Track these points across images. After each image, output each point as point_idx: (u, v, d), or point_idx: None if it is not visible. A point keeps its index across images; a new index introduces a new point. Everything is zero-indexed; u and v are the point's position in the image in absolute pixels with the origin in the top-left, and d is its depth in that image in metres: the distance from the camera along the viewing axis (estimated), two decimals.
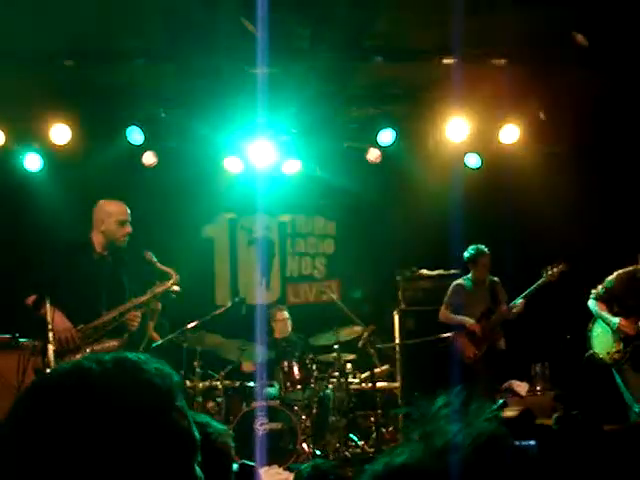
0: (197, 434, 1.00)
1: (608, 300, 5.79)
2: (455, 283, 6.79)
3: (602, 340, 5.81)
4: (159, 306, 4.95)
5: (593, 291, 5.90)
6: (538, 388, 6.92)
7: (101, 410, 0.93)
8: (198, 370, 6.16)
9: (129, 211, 4.90)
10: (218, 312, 6.46)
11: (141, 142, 7.08)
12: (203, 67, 6.56)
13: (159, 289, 4.87)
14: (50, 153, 7.08)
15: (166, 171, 7.47)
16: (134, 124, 6.97)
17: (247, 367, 6.72)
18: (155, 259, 4.87)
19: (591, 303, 5.90)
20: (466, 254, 6.62)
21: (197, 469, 1.01)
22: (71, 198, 6.64)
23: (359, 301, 7.87)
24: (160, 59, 6.57)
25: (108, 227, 4.80)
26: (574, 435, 2.63)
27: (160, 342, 5.90)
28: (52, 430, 0.92)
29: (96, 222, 4.85)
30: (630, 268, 5.76)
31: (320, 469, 2.48)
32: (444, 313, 6.75)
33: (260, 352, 6.34)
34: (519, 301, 6.44)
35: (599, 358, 5.84)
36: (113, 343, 4.65)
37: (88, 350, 4.54)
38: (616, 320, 5.71)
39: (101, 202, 4.92)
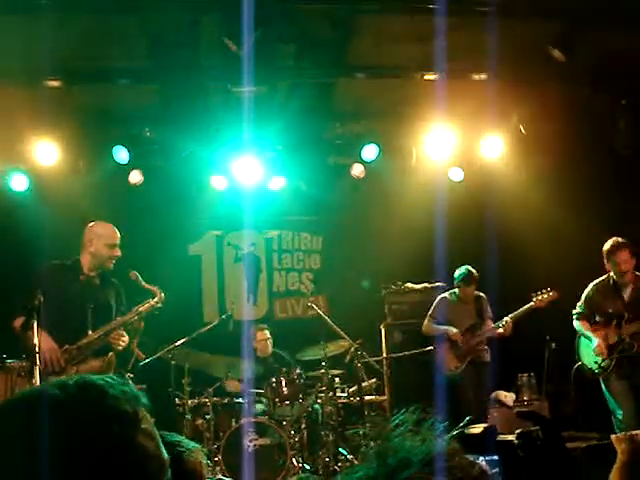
0: (166, 455, 1.00)
1: (589, 314, 5.90)
2: (440, 296, 6.83)
3: (589, 351, 5.85)
4: (142, 324, 4.95)
5: (574, 312, 5.99)
6: (525, 398, 6.97)
7: (64, 437, 0.91)
8: (187, 387, 6.18)
9: (119, 234, 4.92)
10: (206, 329, 6.49)
11: (127, 161, 7.12)
12: (187, 86, 6.62)
13: (143, 308, 4.87)
14: (36, 173, 7.09)
15: (152, 189, 7.52)
16: (120, 143, 7.02)
17: (232, 386, 6.71)
18: (140, 278, 4.88)
19: (575, 324, 5.99)
20: (457, 273, 6.65)
21: None
22: (58, 218, 6.66)
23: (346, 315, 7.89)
24: (145, 79, 6.63)
25: (97, 249, 4.82)
26: (534, 451, 2.70)
27: (148, 360, 5.90)
28: (15, 456, 0.91)
29: (85, 243, 4.86)
30: (603, 277, 5.88)
31: None
32: (427, 325, 6.78)
33: (247, 368, 6.36)
34: (506, 320, 6.44)
35: (588, 369, 5.89)
36: (97, 363, 4.64)
37: (73, 371, 4.53)
38: (595, 342, 5.76)
39: (92, 224, 4.95)
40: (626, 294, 5.73)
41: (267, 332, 7.26)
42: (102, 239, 4.83)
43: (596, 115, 7.14)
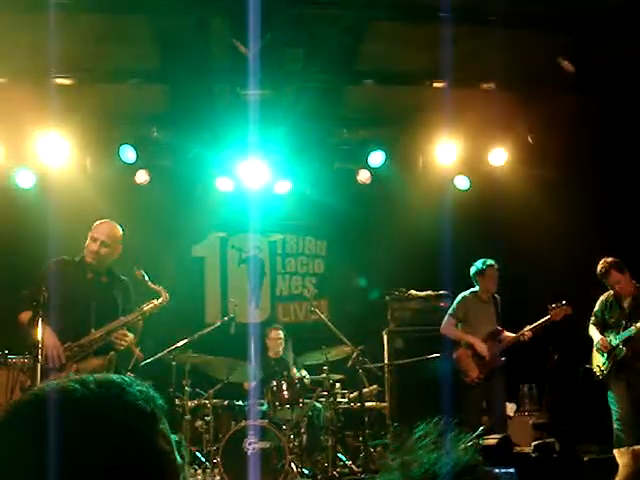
0: (179, 458, 1.00)
1: (599, 325, 6.16)
2: (462, 295, 6.61)
3: (595, 356, 6.12)
4: (141, 324, 4.94)
5: (590, 321, 6.25)
6: (526, 408, 6.96)
7: (83, 434, 0.91)
8: (187, 388, 6.16)
9: (114, 233, 4.89)
10: (208, 330, 6.48)
11: (134, 161, 7.13)
12: (196, 88, 6.64)
13: (147, 308, 4.86)
14: (42, 171, 7.10)
15: (158, 190, 7.53)
16: (127, 143, 7.03)
17: (248, 385, 6.72)
18: (147, 278, 4.88)
19: (590, 330, 6.22)
20: (473, 267, 6.54)
21: None
22: (63, 215, 6.65)
23: (348, 320, 7.88)
24: (153, 79, 6.65)
25: (87, 244, 4.86)
26: (551, 462, 2.70)
27: (149, 360, 5.90)
28: (32, 454, 0.90)
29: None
30: (608, 292, 6.14)
31: None
32: (448, 326, 6.56)
33: (253, 371, 6.35)
34: (525, 332, 6.38)
35: (593, 372, 6.11)
36: (99, 362, 4.62)
37: (74, 368, 4.52)
38: (597, 338, 6.05)
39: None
40: (626, 303, 6.02)
41: (281, 332, 7.27)
42: (91, 233, 4.86)
43: (604, 128, 7.14)
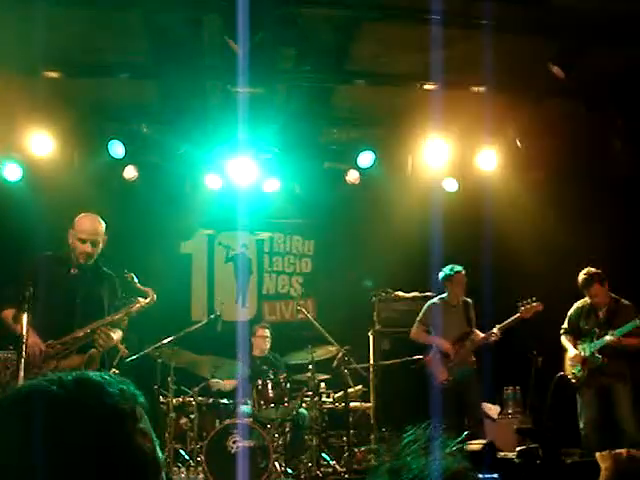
0: (161, 456, 0.99)
1: (572, 331, 6.31)
2: (430, 302, 6.82)
3: (569, 363, 6.26)
4: (125, 322, 4.87)
5: (562, 329, 6.39)
6: (509, 411, 6.99)
7: (59, 435, 0.90)
8: (172, 386, 6.15)
9: (98, 230, 4.78)
10: (194, 328, 6.47)
11: (122, 156, 7.10)
12: (187, 84, 6.61)
13: (134, 308, 4.77)
14: (30, 164, 7.05)
15: (146, 186, 7.50)
16: (116, 138, 6.99)
17: (220, 385, 6.71)
18: (136, 280, 4.81)
19: (562, 339, 6.36)
20: (442, 273, 6.67)
21: None
22: (50, 209, 6.61)
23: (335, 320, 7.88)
24: (144, 75, 6.61)
25: (72, 242, 4.74)
26: (534, 468, 2.73)
27: (135, 357, 5.88)
28: (4, 457, 0.89)
29: (69, 237, 4.78)
30: (584, 299, 6.28)
31: None
32: (416, 332, 6.76)
33: (240, 369, 6.35)
34: (494, 332, 6.47)
35: (568, 379, 6.23)
36: (80, 359, 4.52)
37: (52, 365, 4.44)
38: (571, 353, 6.20)
39: (78, 216, 4.84)
40: (602, 313, 6.15)
41: (268, 331, 7.25)
42: (76, 232, 4.73)
43: (592, 133, 7.19)
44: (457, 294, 6.64)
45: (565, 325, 6.34)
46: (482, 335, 6.55)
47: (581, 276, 6.17)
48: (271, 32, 5.95)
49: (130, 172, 7.29)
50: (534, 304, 6.38)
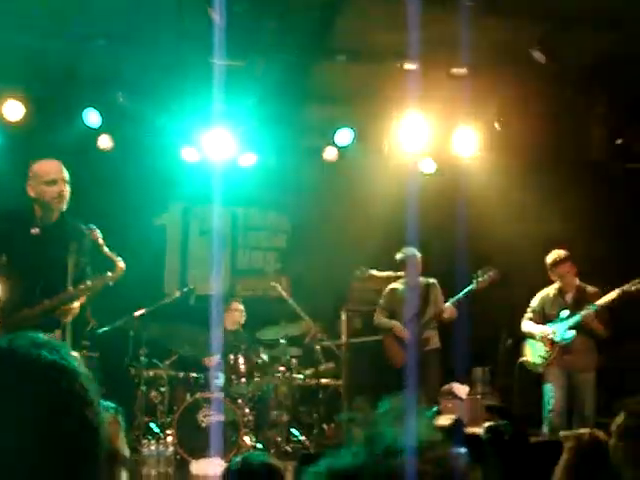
0: (101, 421, 0.98)
1: (537, 320, 6.26)
2: (389, 287, 6.81)
3: (533, 348, 6.23)
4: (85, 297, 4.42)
5: (524, 318, 6.34)
6: (478, 391, 7.08)
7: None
8: (143, 358, 6.13)
9: (63, 169, 4.33)
10: (166, 301, 6.44)
11: (98, 125, 6.98)
12: (166, 54, 6.51)
13: (102, 281, 4.34)
14: (3, 130, 6.91)
15: (122, 156, 7.37)
16: (92, 106, 6.87)
17: (209, 362, 6.70)
18: (101, 240, 4.31)
19: (523, 325, 6.34)
20: (397, 256, 6.66)
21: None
22: (23, 177, 6.49)
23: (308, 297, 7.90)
24: (122, 43, 6.48)
25: (37, 192, 4.24)
26: (502, 444, 2.78)
27: (107, 328, 5.84)
28: None
29: (28, 190, 4.30)
30: (549, 287, 6.25)
31: (250, 462, 2.51)
32: (377, 317, 6.78)
33: (216, 343, 6.33)
34: (447, 305, 6.47)
35: (532, 364, 6.23)
36: (53, 336, 4.02)
37: None
38: (538, 330, 6.17)
39: (31, 166, 4.36)
40: (568, 297, 6.14)
41: (241, 305, 7.19)
42: (39, 178, 4.25)
43: (572, 118, 7.24)
44: (412, 276, 6.61)
45: (529, 314, 6.30)
46: (434, 310, 6.52)
47: (550, 256, 6.11)
48: (254, 4, 5.87)
49: (105, 142, 7.18)
50: (491, 274, 6.35)
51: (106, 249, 4.34)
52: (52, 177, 4.26)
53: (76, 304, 4.29)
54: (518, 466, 2.78)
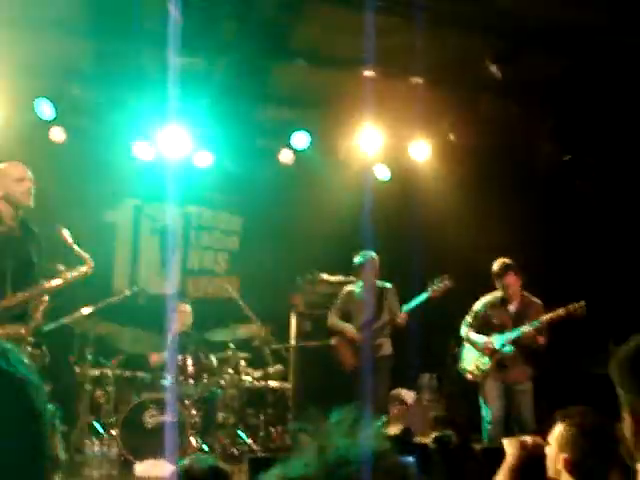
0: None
1: (477, 326, 6.20)
2: (345, 289, 6.81)
3: (471, 356, 6.21)
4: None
5: (464, 322, 6.29)
6: (425, 398, 7.17)
7: None
8: (89, 357, 6.01)
9: (27, 169, 4.48)
10: (115, 299, 6.33)
11: (50, 117, 6.83)
12: (123, 48, 6.42)
13: (73, 275, 4.48)
14: None
15: (74, 149, 7.23)
16: (44, 97, 6.72)
17: (155, 359, 6.61)
18: (70, 240, 4.50)
19: (463, 331, 6.28)
20: (355, 260, 6.64)
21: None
22: None
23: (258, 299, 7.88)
24: (78, 33, 6.37)
25: (7, 190, 4.37)
26: (448, 453, 2.85)
27: (53, 326, 5.71)
28: None
29: None
30: (493, 293, 6.22)
31: (198, 465, 2.50)
32: (330, 319, 6.74)
33: (169, 343, 6.27)
34: (400, 312, 6.47)
35: (468, 372, 6.21)
36: (20, 330, 4.25)
37: None
38: (482, 340, 6.09)
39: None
40: (512, 307, 6.12)
41: (188, 307, 7.11)
42: (8, 177, 4.38)
43: (522, 133, 7.41)
44: (369, 280, 6.62)
45: (469, 319, 6.26)
46: (388, 317, 6.53)
47: (496, 265, 6.10)
48: (215, 3, 5.85)
49: (57, 134, 7.02)
50: (445, 282, 6.36)
51: (76, 247, 4.53)
52: (22, 175, 4.43)
53: (46, 297, 4.44)
54: (463, 473, 2.85)
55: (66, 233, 4.51)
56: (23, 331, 4.25)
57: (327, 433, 0.95)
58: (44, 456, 0.94)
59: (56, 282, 4.45)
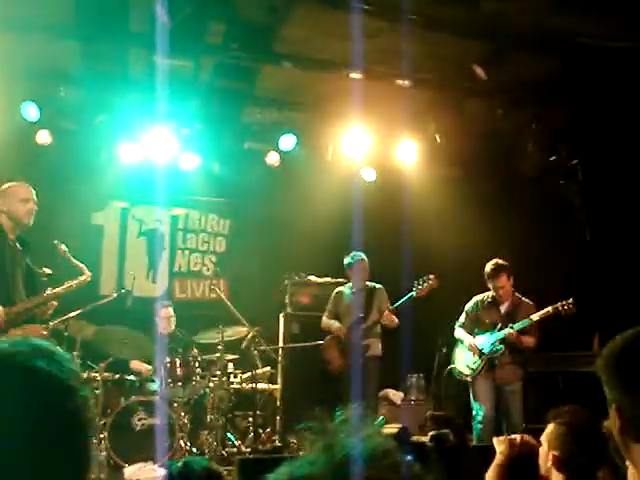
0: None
1: (469, 326, 6.27)
2: (336, 290, 6.86)
3: (462, 356, 6.26)
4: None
5: (457, 323, 6.36)
6: (413, 398, 7.20)
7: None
8: (77, 360, 5.98)
9: (33, 191, 4.83)
10: (102, 302, 6.30)
11: (36, 119, 6.79)
12: (110, 50, 6.39)
13: (75, 283, 4.91)
14: None
15: (60, 152, 7.20)
16: (31, 100, 6.68)
17: (135, 366, 6.60)
18: (69, 254, 4.89)
19: (456, 332, 6.35)
20: (345, 261, 6.69)
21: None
22: None
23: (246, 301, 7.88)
24: (65, 36, 6.34)
25: (11, 208, 4.69)
26: (445, 451, 2.88)
27: None
28: None
29: (1, 205, 4.73)
30: (484, 293, 6.27)
31: (191, 466, 2.51)
32: (323, 320, 6.80)
33: (158, 346, 6.28)
34: (386, 312, 6.47)
35: (459, 372, 6.28)
36: (42, 331, 4.62)
37: (19, 333, 4.42)
38: (468, 340, 6.18)
39: (4, 186, 4.81)
40: (503, 307, 6.17)
41: (171, 310, 7.10)
42: (14, 196, 4.71)
43: (506, 134, 7.47)
44: (359, 281, 6.65)
45: (462, 319, 6.31)
46: (377, 315, 6.54)
47: (489, 266, 6.12)
48: (203, 6, 5.84)
49: (43, 137, 6.99)
50: (430, 282, 6.34)
51: (74, 260, 4.95)
52: (27, 196, 4.76)
53: (55, 302, 4.85)
54: (460, 471, 2.88)
55: (64, 249, 4.90)
56: (44, 332, 4.65)
57: (334, 432, 0.96)
58: (86, 456, 0.96)
59: (60, 289, 4.84)
